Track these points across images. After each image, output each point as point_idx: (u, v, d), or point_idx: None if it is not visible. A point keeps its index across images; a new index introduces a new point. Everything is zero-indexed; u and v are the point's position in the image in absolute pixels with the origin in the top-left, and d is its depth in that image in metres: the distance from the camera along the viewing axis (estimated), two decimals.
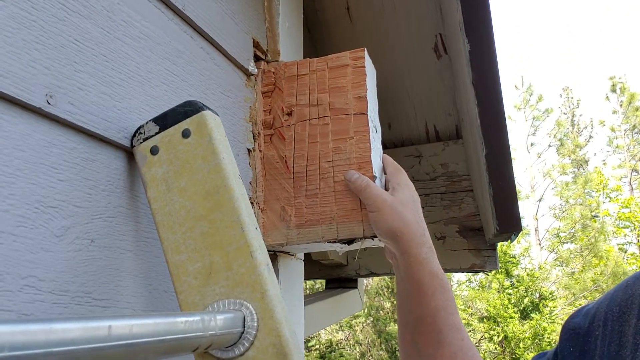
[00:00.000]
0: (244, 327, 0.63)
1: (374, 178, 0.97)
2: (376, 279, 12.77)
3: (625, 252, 17.42)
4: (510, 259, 14.52)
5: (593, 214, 17.39)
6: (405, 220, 0.87)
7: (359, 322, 12.80)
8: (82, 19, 0.66)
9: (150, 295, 0.73)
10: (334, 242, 0.97)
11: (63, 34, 0.63)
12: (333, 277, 2.17)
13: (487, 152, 1.36)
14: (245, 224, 0.67)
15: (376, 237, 0.94)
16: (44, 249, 0.59)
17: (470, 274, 14.59)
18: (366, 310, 12.63)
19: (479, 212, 1.86)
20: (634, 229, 17.63)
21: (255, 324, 0.63)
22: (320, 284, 10.41)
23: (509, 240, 1.67)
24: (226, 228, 0.67)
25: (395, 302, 12.60)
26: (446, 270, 1.93)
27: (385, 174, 1.00)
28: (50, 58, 0.61)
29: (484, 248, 1.86)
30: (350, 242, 0.97)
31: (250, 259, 0.66)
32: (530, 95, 20.99)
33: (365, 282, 12.82)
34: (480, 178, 1.57)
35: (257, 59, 1.10)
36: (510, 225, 1.51)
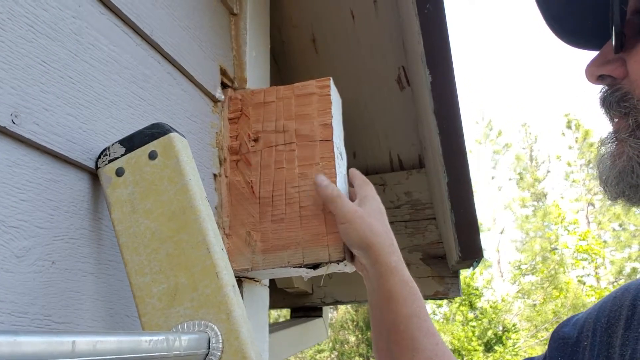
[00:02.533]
0: (209, 348, 0.62)
1: None
2: (341, 312, 12.68)
3: (584, 284, 17.78)
4: (474, 291, 14.64)
5: (552, 246, 17.75)
6: (374, 230, 0.89)
7: (324, 357, 12.64)
8: (50, 41, 0.67)
9: (111, 320, 0.72)
10: (300, 267, 0.98)
11: (30, 55, 0.64)
12: (298, 305, 2.16)
13: (449, 180, 1.40)
14: (211, 245, 0.67)
15: (341, 262, 0.95)
16: (4, 270, 0.57)
17: (435, 306, 14.58)
18: (330, 345, 12.48)
19: (442, 240, 1.89)
20: (592, 261, 18.05)
21: (220, 345, 0.62)
22: (280, 315, 10.27)
23: (471, 267, 1.70)
24: (192, 249, 0.67)
25: (359, 335, 12.49)
26: None
27: (352, 186, 1.01)
28: (16, 78, 0.61)
29: (447, 275, 1.89)
30: (315, 266, 0.97)
31: (216, 279, 0.65)
32: (490, 130, 21.56)
33: (330, 316, 12.70)
34: (442, 206, 1.61)
35: (224, 86, 1.11)
36: (472, 252, 1.54)
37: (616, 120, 0.60)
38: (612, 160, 0.58)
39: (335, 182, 0.99)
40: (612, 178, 0.58)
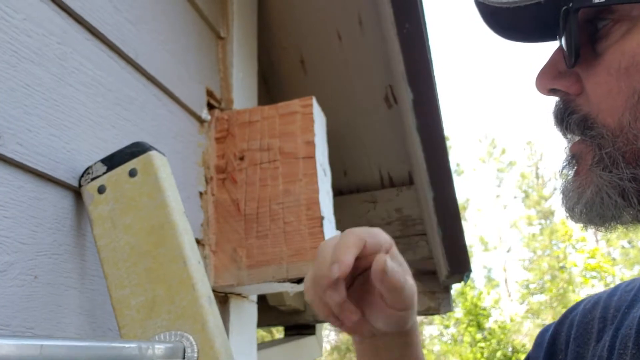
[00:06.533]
0: (184, 357, 0.64)
1: (322, 218, 1.01)
2: (346, 334, 12.53)
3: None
4: (482, 311, 14.49)
5: (561, 264, 17.59)
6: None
7: None
8: (34, 65, 0.70)
9: (94, 333, 0.74)
10: (284, 281, 1.00)
11: (14, 78, 0.67)
12: (291, 323, 2.17)
13: (434, 195, 1.43)
14: (187, 258, 0.69)
15: None
16: None
17: (442, 327, 14.37)
18: None
19: (432, 255, 1.90)
20: (601, 279, 17.85)
21: (196, 355, 0.64)
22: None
23: (462, 282, 1.71)
24: (169, 262, 0.70)
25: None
26: None
27: None
28: (0, 101, 0.64)
29: (438, 290, 1.89)
30: (299, 281, 0.99)
31: (192, 291, 0.68)
32: (494, 149, 21.55)
33: (335, 338, 12.58)
34: (430, 221, 1.63)
35: (211, 106, 1.14)
36: (460, 266, 1.56)
37: (573, 138, 0.57)
38: (580, 190, 0.55)
39: (317, 198, 1.02)
40: (580, 208, 0.55)
